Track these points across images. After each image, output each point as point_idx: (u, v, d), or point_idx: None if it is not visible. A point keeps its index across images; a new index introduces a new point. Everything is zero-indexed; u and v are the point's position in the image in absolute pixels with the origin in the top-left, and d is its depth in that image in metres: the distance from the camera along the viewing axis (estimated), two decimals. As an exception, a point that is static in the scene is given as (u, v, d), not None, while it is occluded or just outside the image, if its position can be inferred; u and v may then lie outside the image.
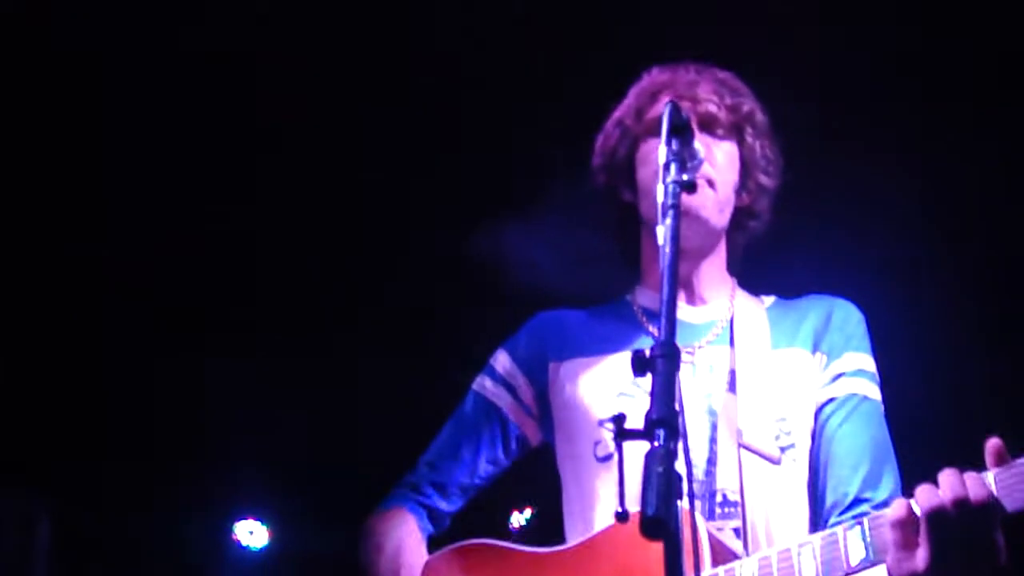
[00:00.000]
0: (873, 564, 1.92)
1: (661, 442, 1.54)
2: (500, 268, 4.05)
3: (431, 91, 4.93)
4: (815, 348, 2.46)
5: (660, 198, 1.90)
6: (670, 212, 1.87)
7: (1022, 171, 4.81)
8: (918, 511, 1.86)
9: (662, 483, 1.49)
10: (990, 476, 1.83)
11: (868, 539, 1.92)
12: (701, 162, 2.08)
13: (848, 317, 2.50)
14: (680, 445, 1.58)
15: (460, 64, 4.79)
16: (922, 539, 1.84)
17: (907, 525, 1.86)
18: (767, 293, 2.63)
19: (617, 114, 2.63)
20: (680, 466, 1.56)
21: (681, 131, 2.00)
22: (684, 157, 1.98)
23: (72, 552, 6.18)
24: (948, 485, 1.83)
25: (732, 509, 2.29)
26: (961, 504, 1.80)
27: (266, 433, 6.14)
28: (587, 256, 2.88)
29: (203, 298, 5.81)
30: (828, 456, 2.36)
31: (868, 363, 2.45)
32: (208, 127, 4.99)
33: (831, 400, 2.40)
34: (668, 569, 1.58)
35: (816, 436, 2.39)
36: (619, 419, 1.63)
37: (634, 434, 1.60)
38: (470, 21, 4.60)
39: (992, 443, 1.85)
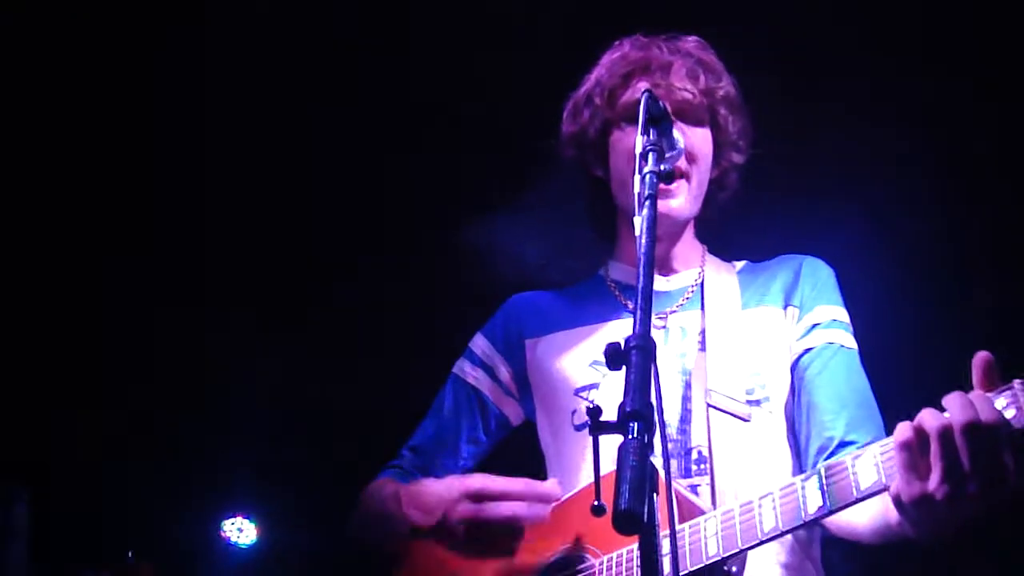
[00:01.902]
0: (830, 512, 1.91)
1: (635, 435, 1.52)
2: (491, 260, 4.05)
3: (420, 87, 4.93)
4: (786, 304, 2.48)
5: (637, 188, 1.89)
6: (647, 203, 1.86)
7: (1003, 129, 4.80)
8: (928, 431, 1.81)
9: (635, 477, 1.47)
10: (1001, 399, 1.79)
11: (826, 488, 1.91)
12: (681, 152, 2.10)
13: (817, 271, 2.52)
14: (656, 438, 1.56)
15: (450, 59, 4.79)
16: (933, 458, 1.80)
17: (915, 447, 1.82)
18: (738, 259, 2.65)
19: (587, 87, 2.61)
20: (656, 460, 1.55)
21: (658, 121, 2.00)
22: (662, 147, 1.99)
23: (56, 557, 6.15)
24: (956, 406, 1.78)
25: (704, 466, 2.30)
26: (970, 425, 1.76)
27: (255, 430, 6.12)
28: (571, 247, 2.88)
29: (199, 289, 5.79)
30: (809, 405, 2.37)
31: (841, 314, 2.46)
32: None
33: (808, 350, 2.42)
34: (643, 564, 1.58)
35: (795, 387, 2.41)
36: (594, 412, 1.61)
37: (608, 427, 1.58)
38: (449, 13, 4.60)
39: (981, 357, 1.82)
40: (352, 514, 2.55)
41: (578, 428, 2.44)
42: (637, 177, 1.91)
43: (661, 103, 2.03)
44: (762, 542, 1.97)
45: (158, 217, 5.48)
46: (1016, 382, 1.79)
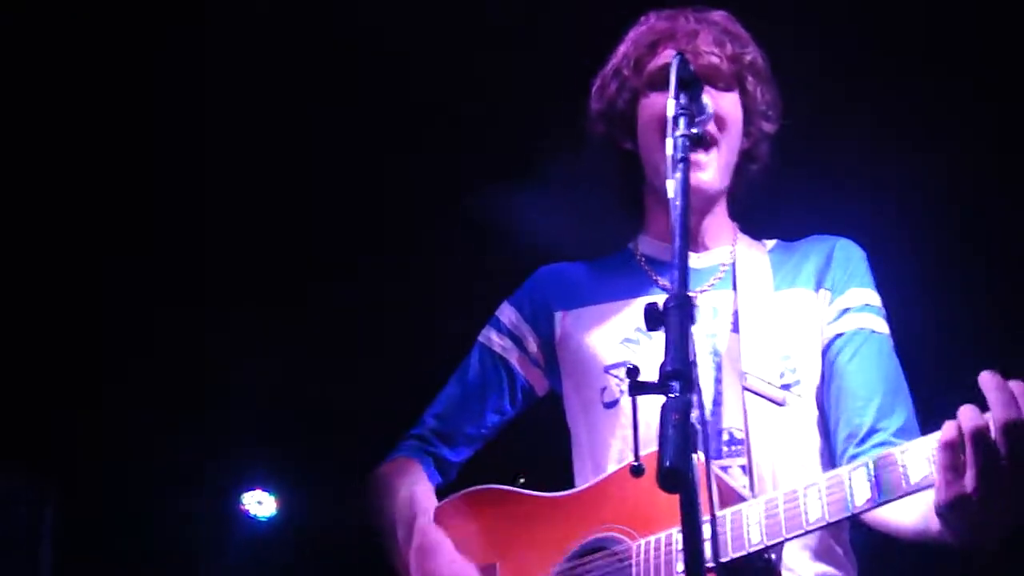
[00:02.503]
0: (878, 504, 1.89)
1: (677, 393, 1.53)
2: (508, 231, 4.05)
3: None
4: (818, 286, 2.46)
5: (669, 151, 1.90)
6: (680, 166, 1.86)
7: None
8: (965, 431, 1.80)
9: (679, 435, 1.48)
10: None
11: (874, 479, 1.89)
12: (710, 116, 2.11)
13: (850, 254, 2.49)
14: (696, 396, 1.57)
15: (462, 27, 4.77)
16: (969, 461, 1.79)
17: (958, 447, 1.80)
18: (769, 237, 2.63)
19: (614, 61, 2.60)
20: (696, 417, 1.56)
21: (689, 85, 2.00)
22: (692, 111, 1.99)
23: (80, 529, 6.20)
24: (999, 403, 1.76)
25: (738, 447, 2.28)
26: (1009, 425, 1.74)
27: (273, 403, 6.14)
28: (592, 216, 2.87)
29: (205, 270, 5.80)
30: (839, 390, 2.35)
31: (873, 297, 2.44)
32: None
33: (839, 336, 2.40)
34: (684, 520, 1.58)
35: (825, 372, 2.39)
36: (633, 371, 1.63)
37: (648, 387, 1.59)
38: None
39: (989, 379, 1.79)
40: (366, 491, 2.55)
41: (608, 406, 2.41)
42: (669, 140, 1.91)
43: (691, 67, 2.03)
44: (807, 532, 1.96)
45: (158, 216, 5.47)
46: None
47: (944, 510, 1.85)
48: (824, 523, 1.93)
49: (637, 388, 1.62)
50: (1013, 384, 1.78)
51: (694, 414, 1.54)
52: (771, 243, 2.62)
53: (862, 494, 1.90)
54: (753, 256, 2.54)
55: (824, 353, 2.40)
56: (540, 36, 4.65)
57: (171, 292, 5.79)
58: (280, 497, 6.78)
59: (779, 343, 2.38)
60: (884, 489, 1.88)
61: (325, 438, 6.21)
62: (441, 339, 2.84)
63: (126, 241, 5.55)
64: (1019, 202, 5.03)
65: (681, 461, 1.46)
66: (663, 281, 2.50)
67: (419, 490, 2.51)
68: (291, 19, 4.74)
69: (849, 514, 1.92)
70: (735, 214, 2.65)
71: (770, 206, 2.68)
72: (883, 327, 2.41)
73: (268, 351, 5.92)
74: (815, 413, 2.38)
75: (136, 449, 6.12)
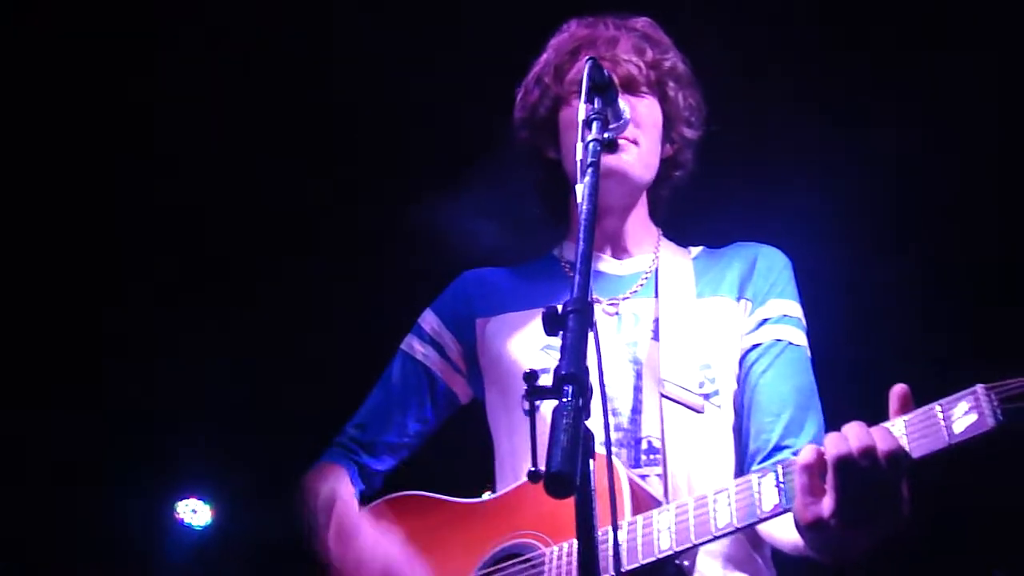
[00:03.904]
0: (786, 510, 1.90)
1: (569, 398, 1.51)
2: (441, 238, 4.03)
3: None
4: (740, 295, 2.45)
5: (579, 155, 1.88)
6: (589, 170, 1.84)
7: (949, 122, 4.84)
8: (827, 457, 1.83)
9: (568, 440, 1.46)
10: (899, 423, 1.81)
11: (782, 485, 1.90)
12: (627, 123, 2.09)
13: (773, 263, 2.49)
14: (594, 400, 1.55)
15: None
16: (828, 485, 1.81)
17: (815, 471, 1.84)
18: (695, 244, 2.62)
19: (536, 70, 2.60)
20: (592, 423, 1.54)
21: (603, 89, 1.99)
22: (607, 116, 1.98)
23: (14, 530, 6.09)
24: (855, 435, 1.80)
25: (656, 456, 2.27)
26: (869, 454, 1.78)
27: (209, 411, 6.08)
28: (523, 221, 2.86)
29: (154, 280, 5.74)
30: (751, 403, 2.35)
31: (794, 309, 2.44)
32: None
33: (756, 346, 2.39)
34: (579, 526, 1.57)
35: (741, 382, 2.38)
36: (531, 376, 1.60)
37: (544, 391, 1.57)
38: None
39: (898, 389, 1.83)
40: (298, 499, 2.49)
41: (527, 413, 2.39)
42: (580, 144, 1.89)
43: (606, 72, 2.01)
44: (716, 537, 1.96)
45: (109, 219, 5.42)
46: (924, 408, 1.80)
47: (802, 530, 1.87)
48: (733, 528, 1.93)
49: (534, 393, 1.60)
50: (875, 428, 1.81)
51: (607, 419, 1.53)
52: (696, 250, 2.61)
53: (770, 500, 1.90)
54: (676, 263, 2.53)
55: (741, 362, 2.40)
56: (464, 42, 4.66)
57: (113, 297, 5.72)
58: (215, 506, 6.70)
59: (699, 352, 2.37)
60: (790, 496, 1.88)
61: (261, 447, 6.16)
62: (380, 348, 2.80)
63: (67, 243, 5.49)
64: (948, 208, 5.09)
65: (568, 466, 1.43)
66: (594, 294, 2.45)
67: (341, 487, 2.47)
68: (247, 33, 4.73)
69: (757, 520, 1.92)
70: (659, 220, 2.64)
71: (696, 212, 2.69)
72: (801, 339, 2.41)
73: (206, 359, 5.87)
74: (733, 421, 2.38)
75: (69, 454, 6.02)
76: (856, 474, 1.78)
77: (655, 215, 2.63)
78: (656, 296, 2.45)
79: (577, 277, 1.68)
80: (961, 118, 4.79)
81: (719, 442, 2.34)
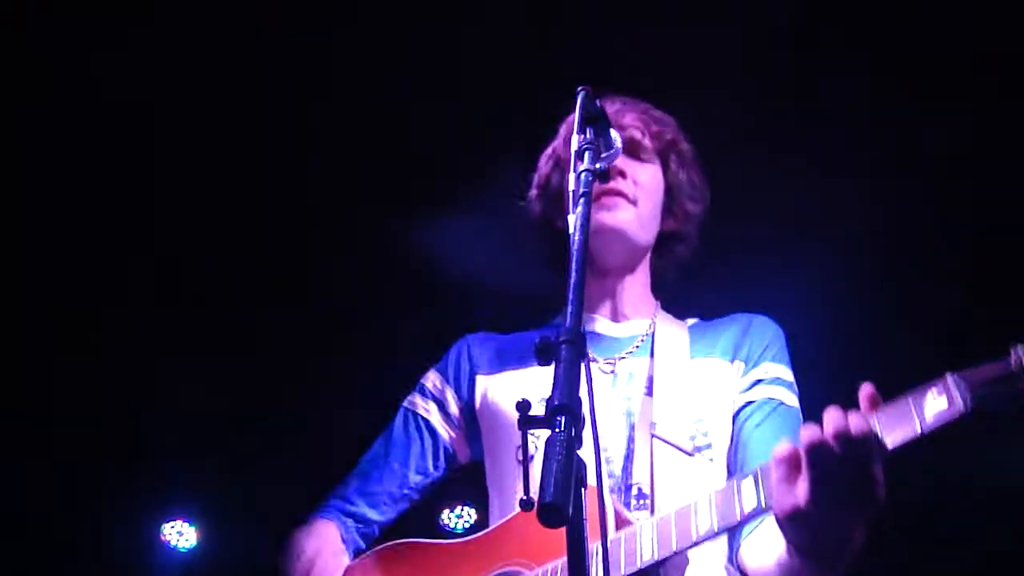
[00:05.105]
0: (765, 511, 1.92)
1: (562, 428, 1.52)
2: (438, 264, 4.04)
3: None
4: (733, 357, 2.50)
5: (571, 186, 1.89)
6: (581, 200, 1.86)
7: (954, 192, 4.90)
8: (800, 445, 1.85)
9: (560, 470, 1.47)
10: (872, 418, 1.82)
11: (760, 486, 1.91)
12: (618, 151, 2.09)
13: (766, 329, 2.55)
14: (586, 431, 1.57)
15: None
16: (802, 473, 1.83)
17: (791, 461, 1.86)
18: (691, 317, 2.68)
19: (549, 148, 2.69)
20: (584, 453, 1.55)
21: (595, 120, 2.01)
22: (599, 146, 1.99)
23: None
24: (830, 419, 1.82)
25: (645, 500, 2.31)
26: (841, 437, 1.79)
27: (195, 433, 6.05)
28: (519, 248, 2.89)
29: (138, 303, 5.72)
30: (744, 456, 2.39)
31: (786, 373, 2.49)
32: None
33: (749, 403, 2.44)
34: (570, 554, 1.58)
35: (734, 438, 2.42)
36: (523, 406, 1.61)
37: (536, 421, 1.58)
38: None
39: (866, 388, 1.85)
40: (283, 555, 2.53)
41: (520, 463, 2.41)
42: (571, 175, 1.91)
43: (598, 102, 2.03)
44: (697, 543, 1.97)
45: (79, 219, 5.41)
46: (899, 399, 1.81)
47: (783, 525, 1.90)
48: (713, 533, 1.95)
49: (526, 423, 1.61)
50: (850, 412, 1.82)
51: (597, 450, 1.55)
52: (691, 320, 2.67)
53: (749, 502, 1.93)
54: (672, 329, 2.59)
55: (734, 419, 2.44)
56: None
57: (94, 318, 5.70)
58: (201, 528, 6.67)
59: (692, 407, 2.42)
60: (769, 494, 1.91)
61: (248, 469, 6.14)
62: (366, 375, 2.83)
63: (40, 263, 5.47)
64: (934, 273, 5.15)
65: (560, 497, 1.44)
66: (592, 353, 2.48)
67: (324, 552, 2.51)
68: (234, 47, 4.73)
69: (737, 521, 1.94)
70: (658, 293, 2.69)
71: (694, 286, 2.75)
72: (793, 401, 2.46)
73: (191, 381, 5.85)
74: (724, 477, 2.40)
75: (55, 477, 5.98)
76: (829, 457, 1.80)
77: (656, 287, 2.69)
78: (651, 356, 2.50)
79: (569, 307, 1.69)
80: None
81: (708, 488, 2.36)
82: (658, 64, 2.66)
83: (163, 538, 6.65)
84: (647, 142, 2.56)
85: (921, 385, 1.79)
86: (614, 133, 2.06)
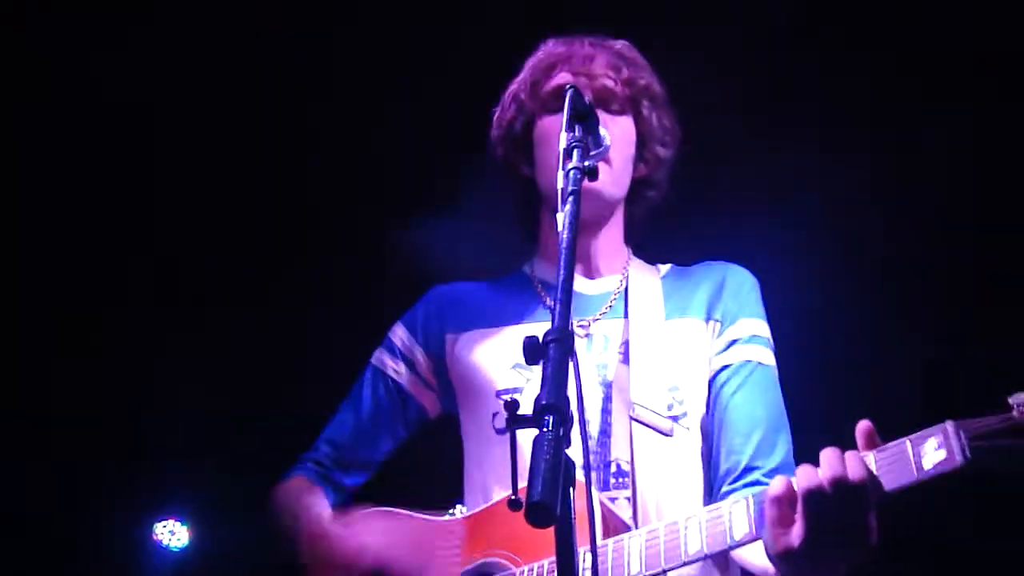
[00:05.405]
0: (756, 539, 1.91)
1: (550, 428, 1.51)
2: (422, 259, 4.04)
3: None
4: (708, 316, 2.47)
5: (560, 184, 1.88)
6: (570, 199, 1.85)
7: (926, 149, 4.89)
8: (797, 489, 1.85)
9: (548, 470, 1.46)
10: (870, 456, 1.82)
11: (753, 514, 1.91)
12: (607, 149, 2.08)
13: (741, 283, 2.51)
14: (573, 430, 1.56)
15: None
16: (798, 516, 1.83)
17: (785, 502, 1.86)
18: (663, 262, 2.64)
19: (513, 87, 2.62)
20: (573, 452, 1.54)
21: (584, 117, 2.00)
22: (588, 144, 1.98)
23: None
24: (828, 463, 1.82)
25: (624, 479, 2.29)
26: (839, 483, 1.79)
27: (187, 432, 6.05)
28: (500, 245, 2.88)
29: (140, 297, 5.72)
30: (722, 423, 2.37)
31: (762, 328, 2.46)
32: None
33: (725, 367, 2.41)
34: (559, 555, 1.57)
35: (711, 404, 2.40)
36: (511, 405, 1.60)
37: (525, 420, 1.57)
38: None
39: (863, 426, 1.85)
40: (272, 515, 2.53)
41: (499, 432, 2.39)
42: (560, 173, 1.89)
43: (587, 100, 2.03)
44: (685, 563, 1.97)
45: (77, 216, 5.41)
46: (895, 442, 1.81)
47: (774, 560, 1.90)
48: (703, 555, 1.94)
49: (514, 421, 1.59)
50: (848, 454, 1.82)
51: (584, 447, 1.54)
52: (665, 268, 2.63)
53: (740, 528, 1.92)
54: (646, 282, 2.54)
55: (710, 383, 2.42)
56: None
57: (92, 319, 5.70)
58: (193, 527, 6.66)
59: (668, 374, 2.39)
60: (761, 525, 1.90)
61: (240, 468, 6.13)
62: (355, 366, 2.82)
63: (40, 263, 5.47)
64: (913, 231, 5.14)
65: (548, 497, 1.44)
66: None
67: (314, 498, 2.52)
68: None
69: (728, 547, 1.93)
70: (633, 241, 2.65)
71: (666, 230, 2.70)
72: (770, 359, 2.44)
73: (191, 381, 5.85)
74: (701, 444, 2.39)
75: (45, 477, 5.98)
76: (826, 505, 1.80)
77: (629, 236, 2.64)
78: (626, 317, 2.47)
79: (558, 306, 1.68)
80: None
81: (688, 465, 2.36)
82: (658, 64, 2.62)
83: (155, 537, 6.64)
84: (619, 90, 2.49)
85: (920, 432, 1.79)
86: (603, 131, 2.05)
